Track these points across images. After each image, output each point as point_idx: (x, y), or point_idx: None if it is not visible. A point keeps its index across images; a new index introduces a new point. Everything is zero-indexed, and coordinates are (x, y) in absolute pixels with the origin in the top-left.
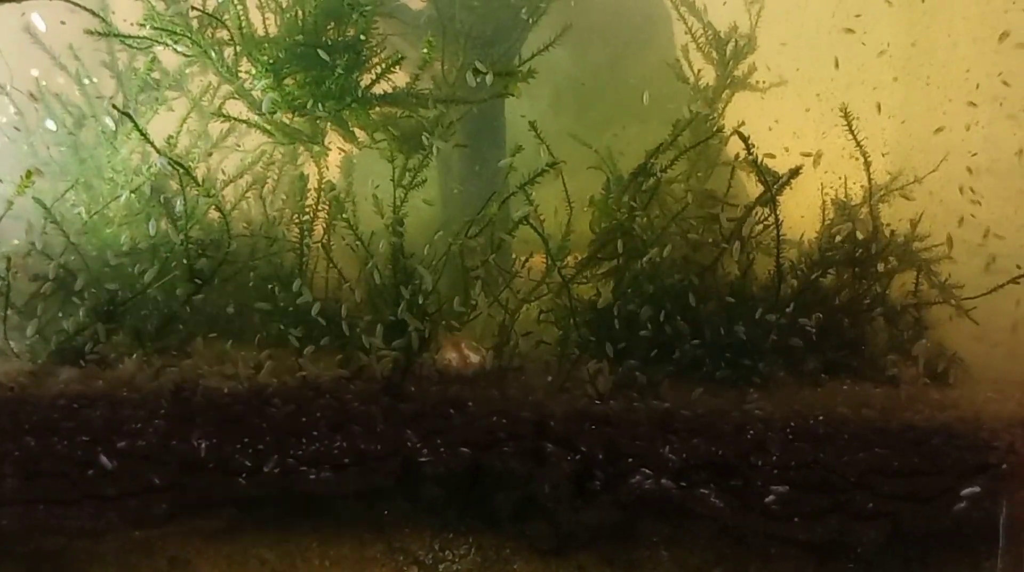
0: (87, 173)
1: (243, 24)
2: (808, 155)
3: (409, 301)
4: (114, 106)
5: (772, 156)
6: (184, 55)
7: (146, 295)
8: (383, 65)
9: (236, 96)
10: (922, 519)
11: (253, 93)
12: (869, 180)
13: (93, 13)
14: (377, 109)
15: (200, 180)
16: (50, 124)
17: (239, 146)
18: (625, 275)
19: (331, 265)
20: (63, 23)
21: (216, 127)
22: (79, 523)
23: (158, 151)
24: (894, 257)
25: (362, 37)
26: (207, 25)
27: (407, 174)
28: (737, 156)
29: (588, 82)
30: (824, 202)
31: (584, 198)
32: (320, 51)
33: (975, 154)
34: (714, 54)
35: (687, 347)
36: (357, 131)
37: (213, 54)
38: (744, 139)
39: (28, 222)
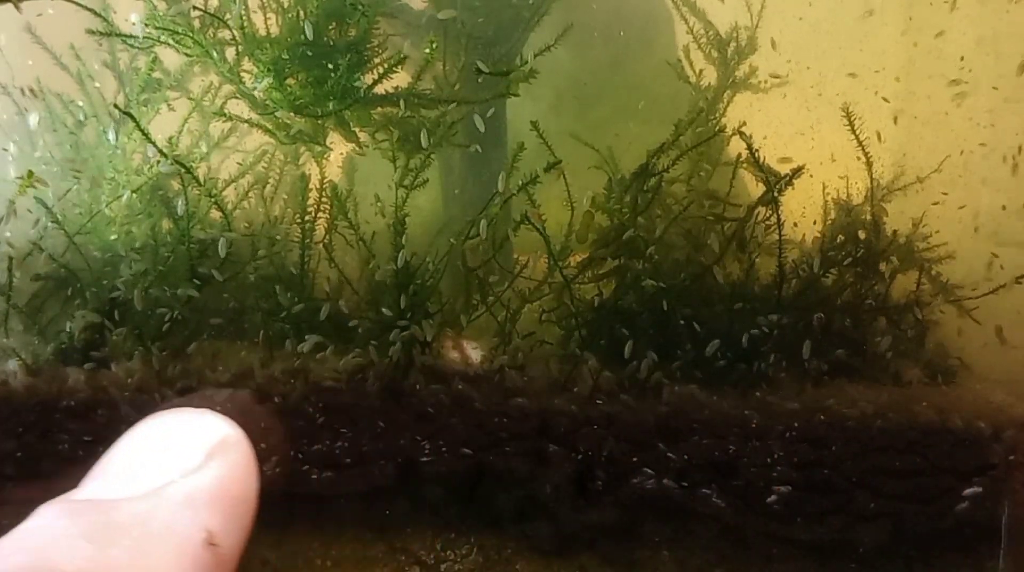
0: (89, 172)
1: (245, 24)
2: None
3: (411, 300)
4: (115, 106)
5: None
6: (186, 55)
7: (148, 295)
8: (385, 65)
9: (238, 96)
10: (924, 519)
11: (255, 93)
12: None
13: (95, 13)
14: (379, 109)
15: (202, 180)
16: (32, 122)
17: (240, 147)
18: (627, 275)
19: (332, 264)
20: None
21: (217, 127)
22: None
23: (160, 150)
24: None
25: (364, 36)
26: (208, 25)
27: (408, 174)
28: (739, 156)
29: (590, 82)
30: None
31: (586, 198)
32: (323, 51)
33: None
34: (715, 53)
35: (689, 347)
36: (359, 131)
37: (215, 54)
38: (746, 139)
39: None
